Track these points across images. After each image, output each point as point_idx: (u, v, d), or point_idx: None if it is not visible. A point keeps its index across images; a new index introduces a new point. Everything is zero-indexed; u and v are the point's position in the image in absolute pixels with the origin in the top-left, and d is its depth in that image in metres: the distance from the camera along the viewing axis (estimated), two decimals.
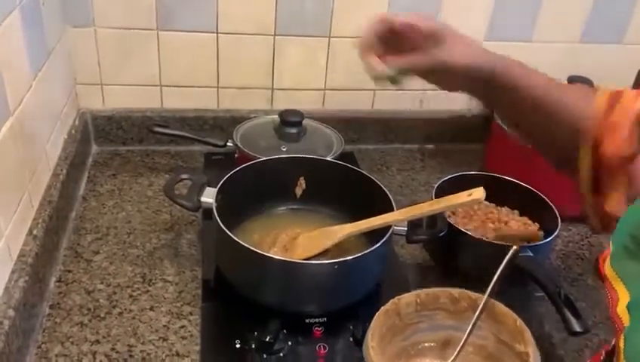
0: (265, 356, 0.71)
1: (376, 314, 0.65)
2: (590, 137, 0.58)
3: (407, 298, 0.67)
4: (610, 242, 0.54)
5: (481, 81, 0.65)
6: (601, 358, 0.60)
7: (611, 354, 0.57)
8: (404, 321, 0.68)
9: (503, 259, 0.75)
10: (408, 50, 0.64)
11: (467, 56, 0.64)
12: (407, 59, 0.64)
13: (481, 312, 0.63)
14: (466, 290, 0.67)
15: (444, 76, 0.65)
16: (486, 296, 0.63)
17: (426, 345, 0.69)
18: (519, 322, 0.63)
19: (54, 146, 0.92)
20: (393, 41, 0.65)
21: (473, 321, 0.63)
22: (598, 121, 0.58)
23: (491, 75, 0.64)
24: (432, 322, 0.69)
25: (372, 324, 0.63)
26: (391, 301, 0.66)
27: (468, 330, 0.63)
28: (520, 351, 0.62)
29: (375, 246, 0.73)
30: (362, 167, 1.06)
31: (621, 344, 0.47)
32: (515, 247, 0.65)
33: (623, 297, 0.49)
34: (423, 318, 0.69)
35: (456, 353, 0.63)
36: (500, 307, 0.65)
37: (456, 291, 0.67)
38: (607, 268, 0.52)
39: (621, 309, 0.49)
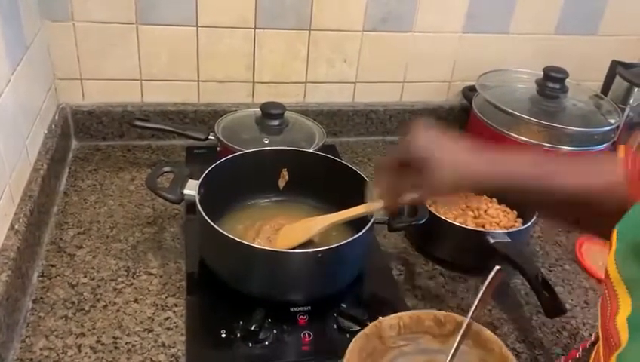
0: (250, 345, 0.71)
1: (355, 338, 0.61)
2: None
3: (390, 320, 0.64)
4: (616, 234, 0.45)
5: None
6: (577, 355, 0.59)
7: (589, 351, 0.54)
8: (387, 344, 0.64)
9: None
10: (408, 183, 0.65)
11: (453, 182, 0.62)
12: (407, 199, 0.66)
13: (464, 335, 0.60)
14: (451, 313, 0.64)
15: None
16: (468, 318, 0.60)
17: None
18: (504, 349, 0.60)
19: (34, 141, 0.91)
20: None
21: (456, 344, 0.60)
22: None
23: (496, 189, 0.66)
24: (416, 346, 0.65)
25: (349, 348, 0.60)
26: (372, 323, 0.63)
27: (450, 354, 0.60)
28: None
29: (358, 235, 0.74)
30: (344, 159, 1.07)
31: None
32: (497, 267, 0.61)
33: (625, 307, 0.42)
34: (408, 341, 0.65)
35: None
36: (486, 333, 0.62)
37: (441, 314, 0.64)
38: (611, 267, 0.45)
39: (620, 322, 0.42)
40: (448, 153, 0.61)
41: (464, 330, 0.60)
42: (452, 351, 0.59)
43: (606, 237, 0.49)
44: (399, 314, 0.64)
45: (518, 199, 0.67)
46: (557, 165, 0.63)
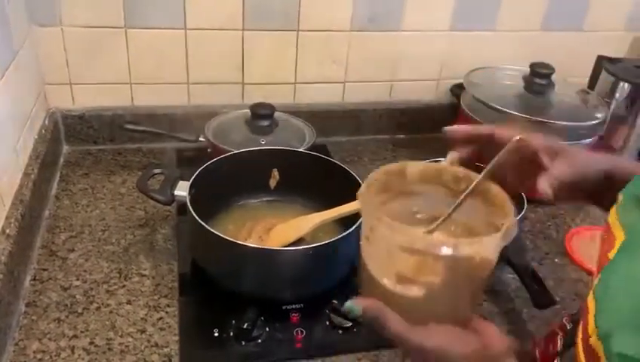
0: (243, 343, 0.72)
1: (379, 168, 0.59)
2: None
3: (415, 165, 0.61)
4: (621, 194, 0.51)
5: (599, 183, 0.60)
6: (564, 321, 0.60)
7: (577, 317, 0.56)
8: (406, 187, 0.62)
9: None
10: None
11: (589, 163, 0.60)
12: (554, 176, 0.57)
13: (472, 191, 0.57)
14: (470, 172, 0.60)
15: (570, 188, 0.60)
16: (480, 176, 0.57)
17: (419, 216, 0.64)
18: (507, 203, 0.56)
19: (25, 146, 0.91)
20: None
21: (462, 197, 0.58)
22: None
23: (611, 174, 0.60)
24: (431, 196, 0.63)
25: (371, 174, 0.58)
26: (398, 163, 0.61)
27: (455, 203, 0.58)
28: (498, 224, 0.55)
29: (348, 231, 0.75)
30: (335, 159, 1.07)
31: (595, 280, 0.47)
32: (518, 137, 0.57)
33: (619, 241, 0.47)
34: (424, 189, 0.62)
35: (438, 222, 0.58)
36: (494, 189, 0.58)
37: (461, 171, 0.60)
38: (612, 215, 0.50)
39: (612, 252, 0.47)
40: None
41: (474, 187, 0.57)
42: (457, 202, 0.58)
43: None
44: (425, 162, 0.62)
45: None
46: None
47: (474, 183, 0.58)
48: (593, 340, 0.45)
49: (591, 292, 0.47)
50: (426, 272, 0.51)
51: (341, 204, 0.81)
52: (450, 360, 0.51)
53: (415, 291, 0.52)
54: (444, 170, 0.61)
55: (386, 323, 0.51)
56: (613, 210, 0.50)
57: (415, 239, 0.51)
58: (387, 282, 0.52)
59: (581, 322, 0.48)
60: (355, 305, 0.53)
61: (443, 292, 0.52)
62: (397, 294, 0.52)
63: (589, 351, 0.45)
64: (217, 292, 0.78)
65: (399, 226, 0.52)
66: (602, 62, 1.18)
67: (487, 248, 0.52)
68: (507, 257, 0.82)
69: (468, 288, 0.54)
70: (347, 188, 0.84)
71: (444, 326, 0.51)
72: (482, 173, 0.57)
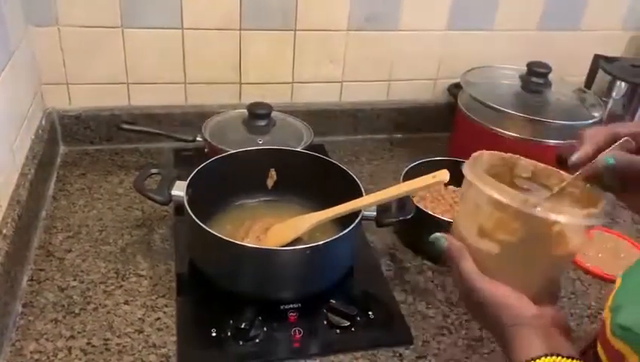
0: (241, 343, 0.72)
1: (489, 151, 0.60)
2: None
3: (527, 162, 0.61)
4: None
5: None
6: None
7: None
8: (512, 180, 0.61)
9: None
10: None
11: None
12: None
13: (563, 188, 0.57)
14: (576, 180, 0.57)
15: None
16: (577, 173, 0.55)
17: None
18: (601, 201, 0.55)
19: (21, 146, 0.91)
20: None
21: (556, 189, 0.57)
22: None
23: None
24: (532, 195, 0.60)
25: (482, 151, 0.59)
26: (510, 154, 0.61)
27: (548, 194, 0.57)
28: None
29: (346, 231, 0.75)
30: (333, 158, 1.07)
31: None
32: (626, 138, 0.54)
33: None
34: (529, 187, 0.62)
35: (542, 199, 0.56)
36: (596, 195, 0.56)
37: (567, 176, 0.59)
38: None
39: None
40: None
41: (576, 192, 0.57)
42: (549, 193, 0.58)
43: None
44: (536, 162, 0.62)
45: None
46: None
47: (570, 179, 0.56)
48: (605, 312, 0.47)
49: (622, 272, 0.49)
50: (505, 230, 0.53)
51: (339, 204, 0.80)
52: (500, 315, 0.52)
53: (491, 246, 0.54)
54: (553, 173, 0.61)
55: (460, 261, 0.54)
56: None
57: (503, 191, 0.52)
58: (470, 234, 0.55)
59: None
60: (442, 237, 0.57)
61: (516, 254, 0.53)
62: (476, 247, 0.54)
63: (601, 322, 0.48)
64: (215, 292, 0.78)
65: (492, 181, 0.53)
66: (599, 62, 1.18)
67: (568, 220, 0.51)
68: None
69: (541, 260, 0.54)
70: (345, 188, 0.84)
71: (512, 289, 0.53)
72: (580, 171, 0.55)
